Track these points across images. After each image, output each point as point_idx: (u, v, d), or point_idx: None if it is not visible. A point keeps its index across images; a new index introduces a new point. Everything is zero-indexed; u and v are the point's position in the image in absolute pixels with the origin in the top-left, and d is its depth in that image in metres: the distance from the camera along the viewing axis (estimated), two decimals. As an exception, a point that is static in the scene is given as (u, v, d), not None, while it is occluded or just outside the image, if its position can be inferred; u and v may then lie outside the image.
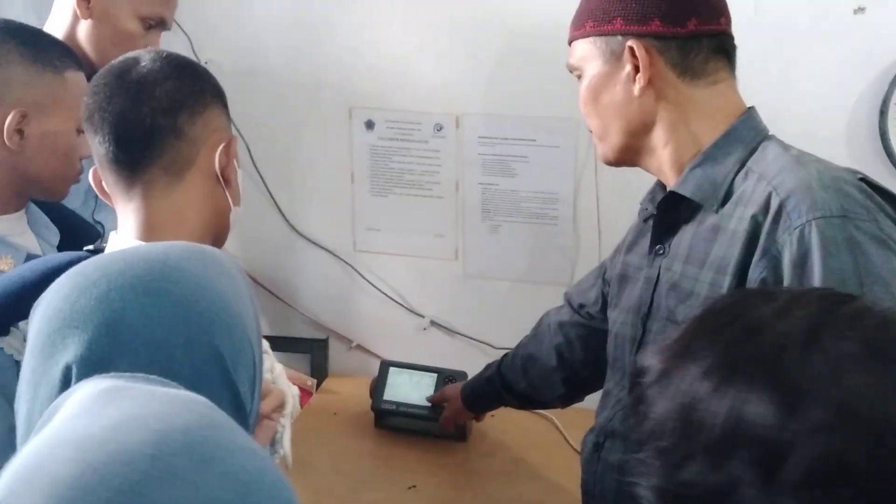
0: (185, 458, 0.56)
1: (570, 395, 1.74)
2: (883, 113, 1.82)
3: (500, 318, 2.21)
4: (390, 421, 2.07)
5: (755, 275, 1.15)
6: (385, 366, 2.10)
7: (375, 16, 2.12)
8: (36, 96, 1.35)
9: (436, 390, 2.01)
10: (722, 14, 1.27)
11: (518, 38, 2.04)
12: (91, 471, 0.54)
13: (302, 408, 2.16)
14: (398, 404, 2.03)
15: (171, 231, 1.11)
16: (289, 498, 0.60)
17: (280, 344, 2.29)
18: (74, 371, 0.73)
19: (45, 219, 1.45)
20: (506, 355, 1.81)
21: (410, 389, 2.03)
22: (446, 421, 1.94)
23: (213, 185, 1.15)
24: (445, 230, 2.23)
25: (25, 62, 1.34)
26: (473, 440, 2.05)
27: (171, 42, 2.16)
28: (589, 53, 1.29)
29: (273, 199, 2.29)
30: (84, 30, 1.67)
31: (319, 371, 2.38)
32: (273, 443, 1.10)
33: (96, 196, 1.68)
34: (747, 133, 1.26)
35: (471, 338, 2.27)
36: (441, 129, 2.14)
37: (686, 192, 1.25)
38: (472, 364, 1.97)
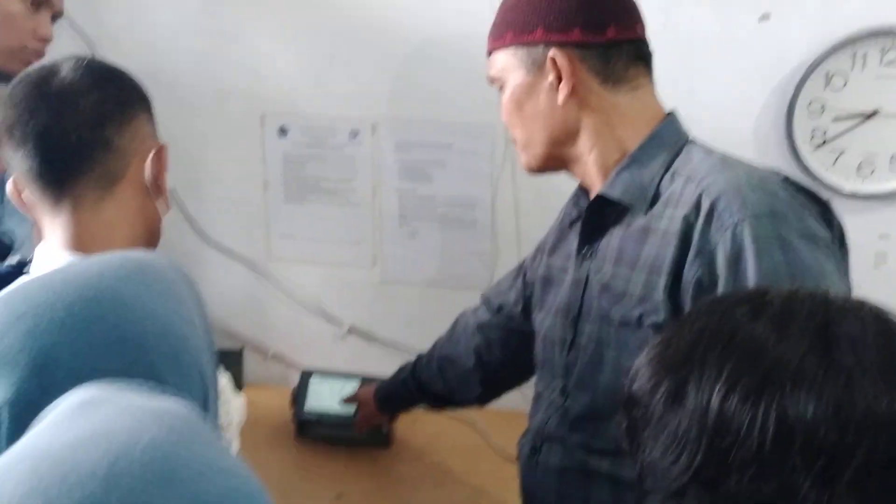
0: (141, 479, 0.54)
1: (487, 394, 1.75)
2: (789, 116, 1.90)
3: (420, 324, 2.21)
4: (313, 431, 2.06)
5: (690, 274, 1.17)
6: (306, 374, 2.09)
7: (283, 22, 2.11)
8: None
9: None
10: (638, 21, 1.29)
11: (433, 44, 2.05)
12: (39, 492, 0.52)
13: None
14: (320, 414, 2.02)
15: (102, 244, 1.09)
16: None
17: (193, 356, 2.24)
18: (4, 415, 0.69)
19: None
20: (420, 357, 1.82)
21: (333, 397, 2.03)
22: (360, 423, 1.94)
23: (143, 195, 1.14)
24: (362, 237, 2.22)
25: None
26: (397, 446, 2.06)
27: (70, 46, 2.12)
28: (510, 64, 1.30)
29: (183, 207, 2.26)
30: None
31: (235, 383, 2.34)
32: None
33: (2, 202, 1.65)
34: (671, 136, 1.29)
35: (390, 344, 2.27)
36: (357, 135, 2.14)
37: (614, 194, 1.27)
38: (393, 369, 1.89)
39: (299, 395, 2.06)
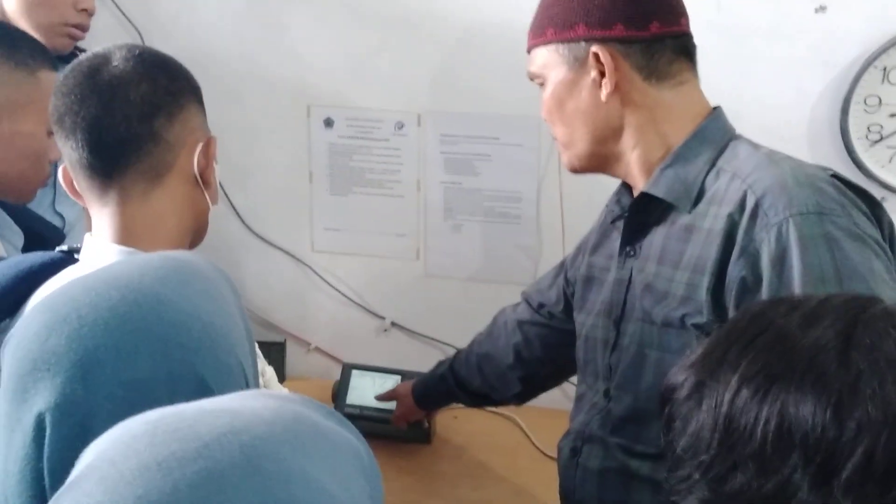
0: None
1: (526, 393, 1.76)
2: (844, 112, 1.88)
3: (463, 319, 2.13)
4: (354, 424, 2.01)
5: (734, 273, 1.16)
6: (347, 369, 2.10)
7: (330, 12, 2.12)
8: (8, 95, 1.32)
9: None
10: (682, 15, 1.29)
11: (479, 35, 2.05)
12: None
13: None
14: (362, 408, 2.03)
15: (149, 236, 1.10)
16: None
17: (236, 347, 2.27)
18: (48, 419, 0.71)
19: (9, 220, 1.43)
20: (458, 352, 1.82)
21: (374, 392, 2.04)
22: (397, 419, 1.95)
23: (191, 187, 1.14)
24: (407, 230, 2.23)
25: None
26: (437, 442, 2.06)
27: (121, 37, 2.15)
28: (551, 61, 1.29)
29: (228, 198, 2.28)
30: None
31: (277, 375, 2.37)
32: None
33: (55, 185, 1.67)
34: (716, 133, 1.28)
35: (432, 339, 2.28)
36: (402, 126, 2.15)
37: (658, 192, 1.26)
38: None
39: (340, 388, 2.08)
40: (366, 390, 2.06)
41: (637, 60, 1.26)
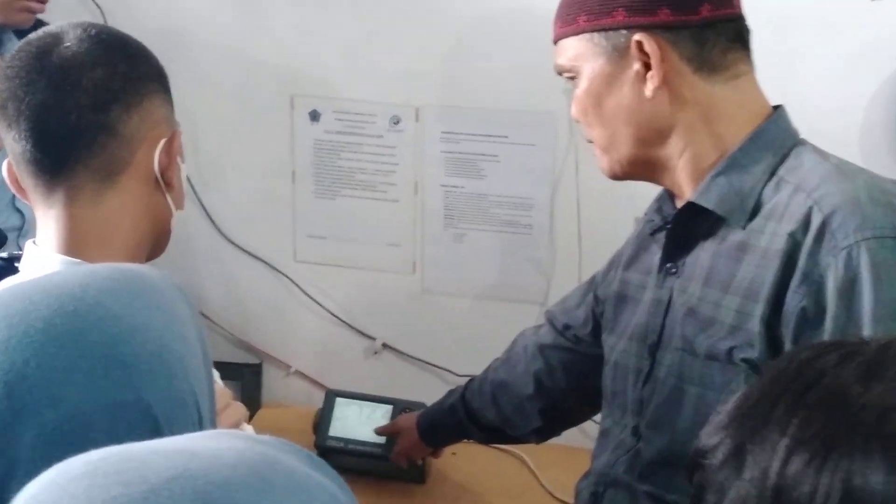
0: None
1: (547, 428, 1.74)
2: (902, 112, 1.87)
3: (464, 342, 2.22)
4: (337, 460, 1.98)
5: (793, 303, 1.15)
6: (331, 396, 2.10)
7: (320, -7, 2.13)
8: None
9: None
10: None
11: (487, 20, 2.05)
12: None
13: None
14: (346, 441, 2.02)
15: (100, 245, 1.09)
16: None
17: (206, 370, 2.28)
18: None
19: None
20: (472, 380, 1.81)
21: (360, 424, 2.03)
22: (398, 456, 1.93)
23: (151, 189, 1.13)
24: (401, 239, 2.23)
25: None
26: (433, 482, 2.05)
27: (80, 14, 2.14)
28: (585, 52, 1.28)
29: (199, 199, 2.28)
30: None
31: (251, 401, 2.36)
32: None
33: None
34: (778, 136, 1.27)
35: (430, 363, 2.27)
36: (398, 122, 2.15)
37: (708, 203, 1.25)
38: (431, 394, 1.97)
39: (323, 418, 2.07)
40: (352, 420, 2.05)
41: (686, 49, 1.25)
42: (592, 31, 1.27)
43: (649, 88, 1.25)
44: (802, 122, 1.43)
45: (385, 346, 2.30)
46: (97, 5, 2.20)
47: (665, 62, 1.24)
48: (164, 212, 1.16)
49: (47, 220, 1.10)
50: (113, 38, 1.12)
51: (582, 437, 2.03)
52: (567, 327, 1.67)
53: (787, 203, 1.20)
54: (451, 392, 1.85)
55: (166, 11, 2.20)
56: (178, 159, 1.16)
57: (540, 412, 1.70)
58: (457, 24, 2.07)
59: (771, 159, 1.25)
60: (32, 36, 1.11)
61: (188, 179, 2.19)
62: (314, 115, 2.20)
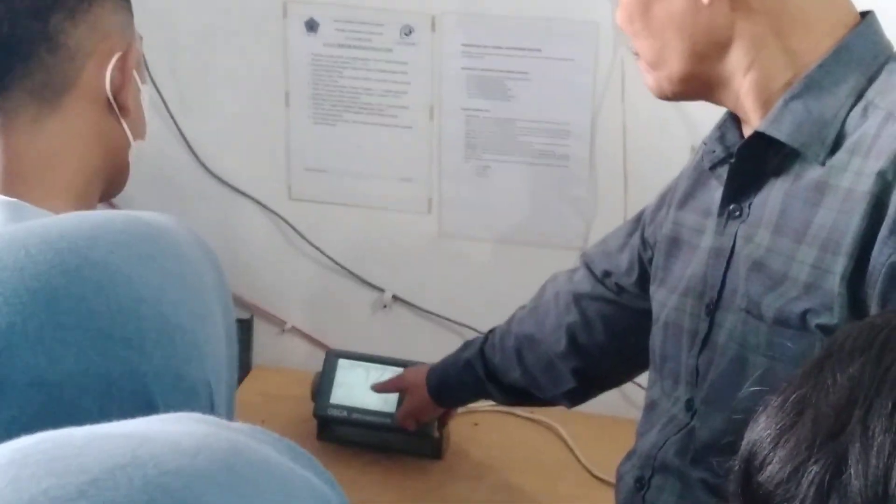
0: None
1: (581, 391, 1.75)
2: None
3: (488, 294, 2.23)
4: (339, 432, 2.08)
5: (882, 256, 1.14)
6: (332, 357, 2.10)
7: None
8: None
9: (401, 391, 2.00)
10: None
11: None
12: None
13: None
14: (350, 409, 2.03)
15: (40, 181, 1.09)
16: None
17: (188, 326, 2.29)
18: None
19: None
20: (492, 332, 1.82)
21: (367, 390, 2.03)
22: (405, 416, 1.96)
23: (102, 113, 1.13)
24: (415, 172, 2.23)
25: None
26: (451, 457, 2.06)
27: None
28: None
29: (177, 127, 2.28)
30: None
31: (240, 363, 2.33)
32: None
33: None
34: (866, 50, 1.25)
35: (448, 319, 2.27)
36: (410, 32, 2.15)
37: (780, 133, 1.23)
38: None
39: (323, 383, 2.07)
40: (356, 386, 2.05)
41: None
42: None
43: None
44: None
45: (395, 298, 2.31)
46: None
47: None
48: (118, 142, 1.16)
49: None
50: None
51: (626, 406, 2.07)
52: (607, 274, 1.67)
53: (876, 133, 1.19)
54: (467, 344, 1.86)
55: None
56: (136, 78, 1.16)
57: (573, 372, 1.70)
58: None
59: (857, 79, 1.24)
60: None
61: (164, 103, 2.26)
62: (311, 25, 2.19)
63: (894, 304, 1.14)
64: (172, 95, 2.25)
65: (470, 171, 2.20)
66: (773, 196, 1.27)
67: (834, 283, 1.17)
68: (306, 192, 2.30)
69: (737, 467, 0.75)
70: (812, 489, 0.68)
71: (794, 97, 1.24)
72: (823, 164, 1.22)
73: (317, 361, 2.14)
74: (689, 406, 1.36)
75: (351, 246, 2.31)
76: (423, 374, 1.91)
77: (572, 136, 2.12)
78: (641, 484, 1.40)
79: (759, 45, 1.26)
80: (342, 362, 2.08)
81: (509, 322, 1.79)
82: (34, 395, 0.68)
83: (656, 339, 1.44)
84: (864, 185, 1.16)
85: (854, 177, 1.18)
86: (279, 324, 2.37)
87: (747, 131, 1.31)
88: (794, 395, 0.73)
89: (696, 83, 1.31)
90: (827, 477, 0.68)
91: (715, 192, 1.36)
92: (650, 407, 1.45)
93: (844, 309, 1.17)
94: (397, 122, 2.20)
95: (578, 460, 2.04)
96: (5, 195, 1.07)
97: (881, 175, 1.14)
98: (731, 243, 1.31)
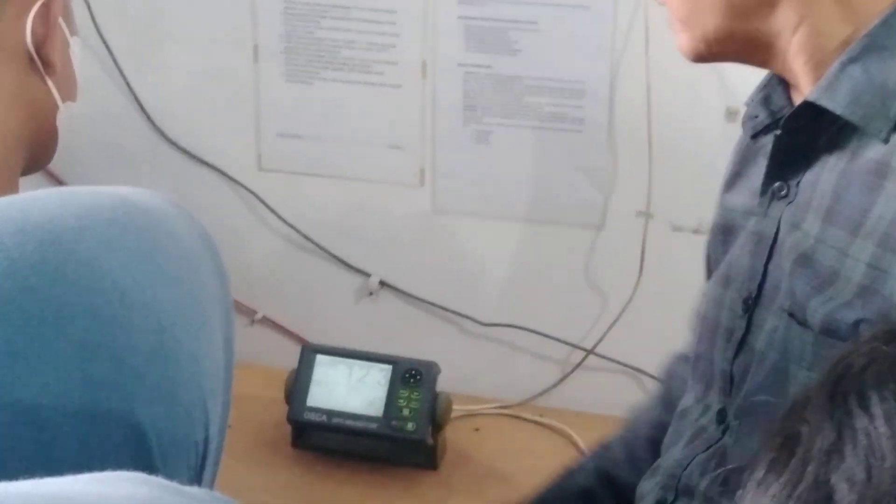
0: None
1: None
2: None
3: (491, 279, 2.24)
4: (317, 438, 2.09)
5: None
6: (309, 352, 2.09)
7: None
8: None
9: (391, 389, 2.01)
10: None
11: None
12: None
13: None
14: (330, 413, 2.02)
15: None
16: None
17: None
18: None
19: None
20: (606, 445, 1.70)
21: (350, 390, 2.03)
22: None
23: (23, 71, 1.13)
24: (405, 139, 2.22)
25: None
26: (448, 467, 2.06)
27: None
28: None
29: (128, 85, 2.27)
30: None
31: (203, 359, 2.37)
32: None
33: None
34: None
35: (444, 308, 2.27)
36: None
37: (835, 104, 1.21)
38: (446, 349, 2.04)
39: (299, 382, 2.06)
40: (338, 386, 2.05)
41: None
42: None
43: None
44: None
45: (383, 284, 2.30)
46: None
47: None
48: (43, 104, 1.15)
49: None
50: None
51: None
52: None
53: None
54: (571, 471, 1.71)
55: None
56: (64, 29, 1.15)
57: None
58: None
59: None
60: None
61: (112, 58, 2.26)
62: (284, -33, 2.18)
63: None
64: (121, 48, 2.24)
65: (468, 137, 2.18)
66: (825, 176, 1.24)
67: (894, 288, 1.15)
68: (278, 161, 2.29)
69: None
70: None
71: (851, 60, 1.22)
72: (886, 141, 1.19)
73: (291, 357, 2.14)
74: (721, 418, 1.35)
75: (331, 224, 2.30)
76: None
77: (588, 96, 2.10)
78: None
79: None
80: (321, 358, 2.07)
81: (628, 427, 1.70)
82: (4, 418, 0.66)
83: (694, 332, 1.43)
84: None
85: None
86: (248, 313, 2.36)
87: (796, 97, 1.30)
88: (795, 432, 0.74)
89: (736, 43, 1.29)
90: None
91: (761, 167, 1.35)
92: (681, 415, 1.44)
93: None
94: (384, 81, 2.19)
95: None
96: None
97: None
98: (775, 228, 1.29)
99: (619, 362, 2.16)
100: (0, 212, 0.72)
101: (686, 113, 2.04)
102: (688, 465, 1.37)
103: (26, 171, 1.17)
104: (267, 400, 2.13)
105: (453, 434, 2.08)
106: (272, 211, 2.30)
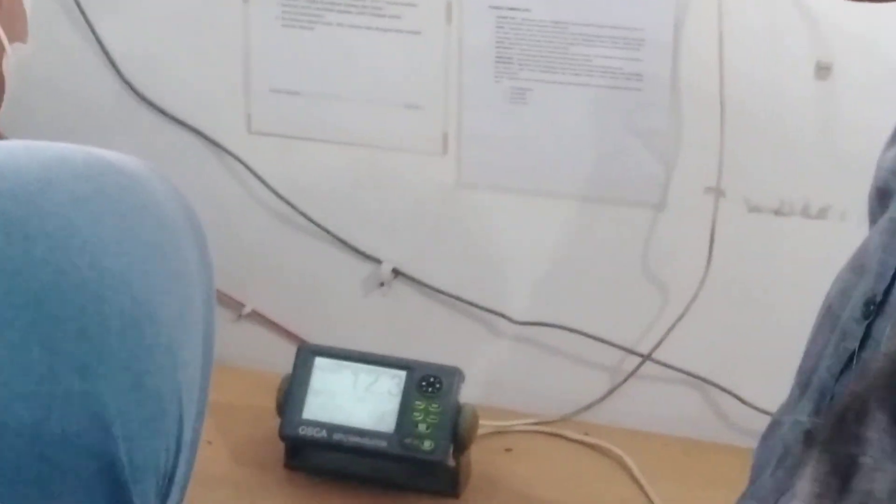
0: None
1: None
2: None
3: (526, 267, 2.23)
4: (316, 458, 2.08)
5: None
6: (307, 354, 2.06)
7: None
8: None
9: (404, 400, 1.99)
10: None
11: None
12: None
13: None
14: (331, 428, 1.99)
15: None
16: None
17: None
18: None
19: None
20: None
21: (354, 400, 2.01)
22: None
23: None
24: (425, 97, 2.19)
25: None
26: (474, 495, 2.04)
27: None
28: None
29: (93, 31, 2.24)
30: None
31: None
32: None
33: None
34: None
35: (469, 302, 2.25)
36: None
37: None
38: (472, 352, 2.08)
39: (293, 390, 2.03)
40: (340, 395, 2.03)
41: None
42: None
43: None
44: None
45: (397, 273, 2.27)
46: None
47: None
48: None
49: None
50: None
51: (718, 425, 2.12)
52: None
53: None
54: None
55: None
56: None
57: None
58: None
59: None
60: None
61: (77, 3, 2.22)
62: None
63: None
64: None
65: (502, 95, 2.15)
66: None
67: None
68: (272, 123, 2.27)
69: None
70: None
71: None
72: None
73: (285, 360, 2.10)
74: (809, 441, 1.29)
75: (334, 200, 2.27)
76: None
77: (647, 46, 2.06)
78: None
79: None
80: (320, 361, 2.04)
81: None
82: None
83: (816, 323, 1.37)
84: None
85: None
86: (233, 307, 2.35)
87: None
88: None
89: None
90: None
91: None
92: (771, 427, 1.39)
93: None
94: (400, 26, 2.16)
95: (651, 501, 2.03)
96: None
97: None
98: None
99: (681, 370, 2.13)
100: None
101: (767, 68, 2.00)
102: (789, 485, 1.29)
103: None
104: (255, 411, 2.14)
105: (480, 455, 2.05)
106: (264, 183, 2.27)
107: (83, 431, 0.70)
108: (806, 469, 0.75)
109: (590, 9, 2.08)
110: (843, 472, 0.70)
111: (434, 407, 1.96)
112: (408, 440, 1.95)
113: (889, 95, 1.83)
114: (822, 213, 1.98)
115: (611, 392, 2.18)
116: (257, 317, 2.35)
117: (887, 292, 1.22)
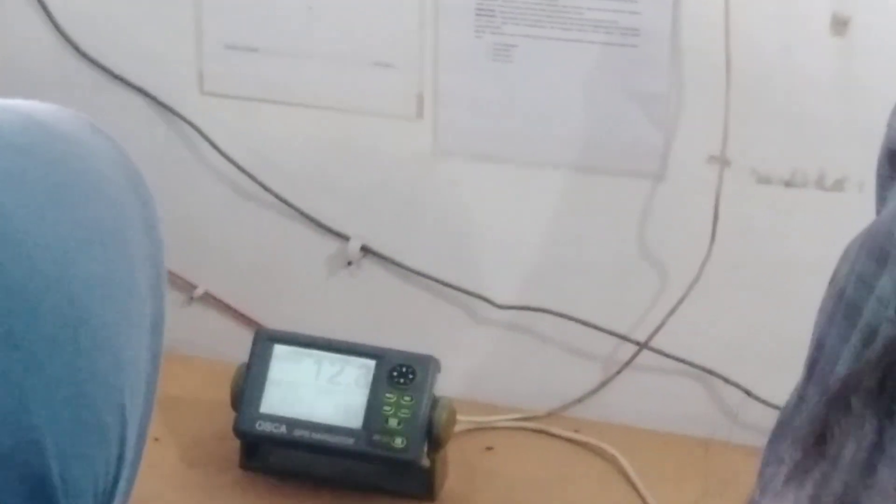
0: None
1: None
2: None
3: (509, 245, 2.24)
4: (275, 457, 2.10)
5: None
6: (265, 340, 2.08)
7: None
8: None
9: (374, 392, 2.00)
10: None
11: None
12: None
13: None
14: (291, 423, 2.01)
15: None
16: None
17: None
18: None
19: None
20: None
21: (318, 392, 2.03)
22: None
23: None
24: (397, 54, 2.20)
25: None
26: (450, 498, 2.07)
27: None
28: None
29: None
30: None
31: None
32: None
33: None
34: None
35: (446, 283, 2.26)
36: None
37: None
38: (449, 339, 2.11)
39: (250, 381, 2.04)
40: (302, 387, 2.04)
41: None
42: None
43: None
44: None
45: (366, 251, 2.29)
46: None
47: None
48: None
49: None
50: None
51: (722, 422, 2.13)
52: None
53: None
54: None
55: None
56: None
57: None
58: None
59: None
60: None
61: None
62: None
63: None
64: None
65: (483, 52, 2.15)
66: None
67: None
68: (226, 82, 2.28)
69: None
70: None
71: None
72: None
73: (241, 347, 2.11)
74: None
75: (297, 169, 2.29)
76: None
77: None
78: None
79: None
80: (280, 349, 2.06)
81: None
82: None
83: (821, 309, 1.36)
84: None
85: None
86: (184, 288, 2.36)
87: None
88: None
89: None
90: None
91: None
92: (781, 424, 1.37)
93: None
94: None
95: (643, 499, 2.05)
96: None
97: None
98: None
99: (681, 360, 2.13)
100: None
101: (777, 22, 2.01)
102: (817, 491, 1.32)
103: None
104: (208, 404, 2.16)
105: (458, 454, 2.08)
106: (217, 149, 2.28)
107: (11, 451, 0.69)
108: None
109: (579, -44, 2.07)
110: (823, 440, 0.73)
111: (406, 400, 1.96)
112: (377, 437, 1.95)
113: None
114: (839, 185, 1.97)
115: (604, 384, 2.18)
116: (210, 299, 2.37)
117: None
